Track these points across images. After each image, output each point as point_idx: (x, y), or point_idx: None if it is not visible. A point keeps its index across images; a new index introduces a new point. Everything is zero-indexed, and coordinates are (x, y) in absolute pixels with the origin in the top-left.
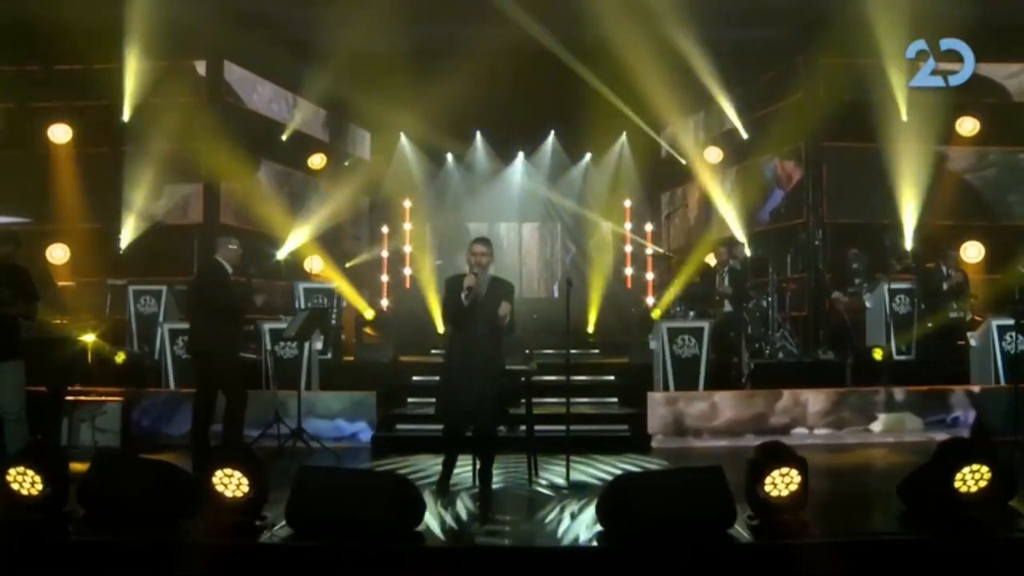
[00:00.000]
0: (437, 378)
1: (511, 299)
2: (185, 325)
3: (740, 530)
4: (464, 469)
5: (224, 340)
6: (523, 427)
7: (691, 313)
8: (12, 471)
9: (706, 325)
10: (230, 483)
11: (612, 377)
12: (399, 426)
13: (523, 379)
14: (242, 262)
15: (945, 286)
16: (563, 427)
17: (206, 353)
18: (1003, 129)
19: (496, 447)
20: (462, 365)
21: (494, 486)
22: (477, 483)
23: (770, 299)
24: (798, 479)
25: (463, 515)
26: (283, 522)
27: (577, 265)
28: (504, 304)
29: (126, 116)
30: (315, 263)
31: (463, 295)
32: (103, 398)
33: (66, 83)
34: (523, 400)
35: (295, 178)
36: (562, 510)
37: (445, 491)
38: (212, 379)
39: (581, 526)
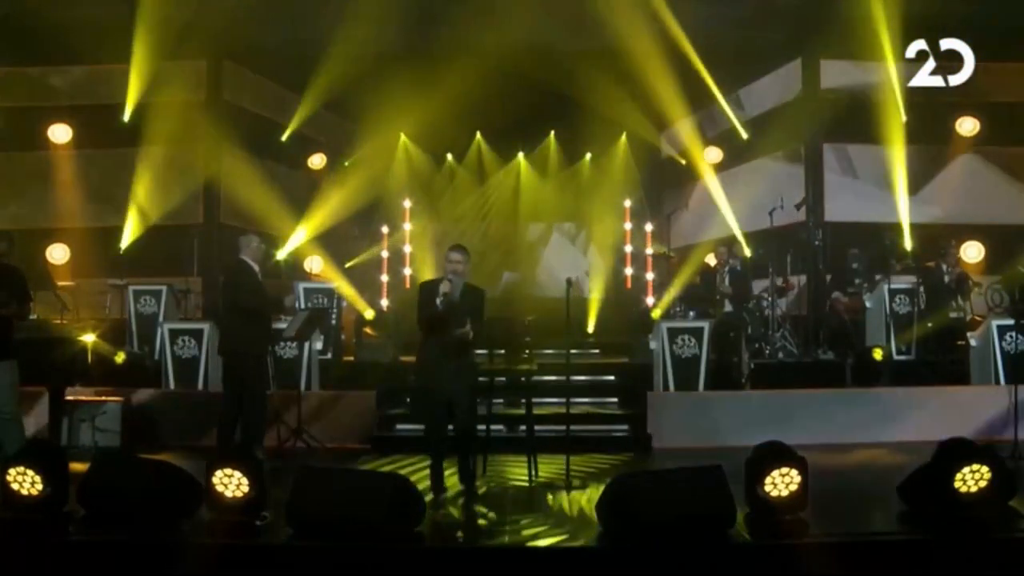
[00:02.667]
0: None
1: (482, 306)
2: (184, 325)
3: (740, 530)
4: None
5: (254, 340)
6: (523, 427)
7: (691, 313)
8: (12, 471)
9: (706, 325)
10: (230, 483)
11: (612, 377)
12: (399, 426)
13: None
14: (265, 258)
15: (947, 279)
16: (563, 427)
17: (238, 354)
18: (1003, 129)
19: (476, 442)
20: (438, 367)
21: (495, 486)
22: (463, 482)
23: (770, 299)
24: (798, 479)
25: (463, 515)
26: (283, 522)
27: (577, 265)
28: (466, 329)
29: (126, 116)
30: (315, 263)
31: (438, 300)
32: (103, 398)
33: (66, 83)
34: (523, 400)
35: (295, 178)
36: (562, 509)
37: (441, 490)
38: (240, 379)
39: (581, 526)
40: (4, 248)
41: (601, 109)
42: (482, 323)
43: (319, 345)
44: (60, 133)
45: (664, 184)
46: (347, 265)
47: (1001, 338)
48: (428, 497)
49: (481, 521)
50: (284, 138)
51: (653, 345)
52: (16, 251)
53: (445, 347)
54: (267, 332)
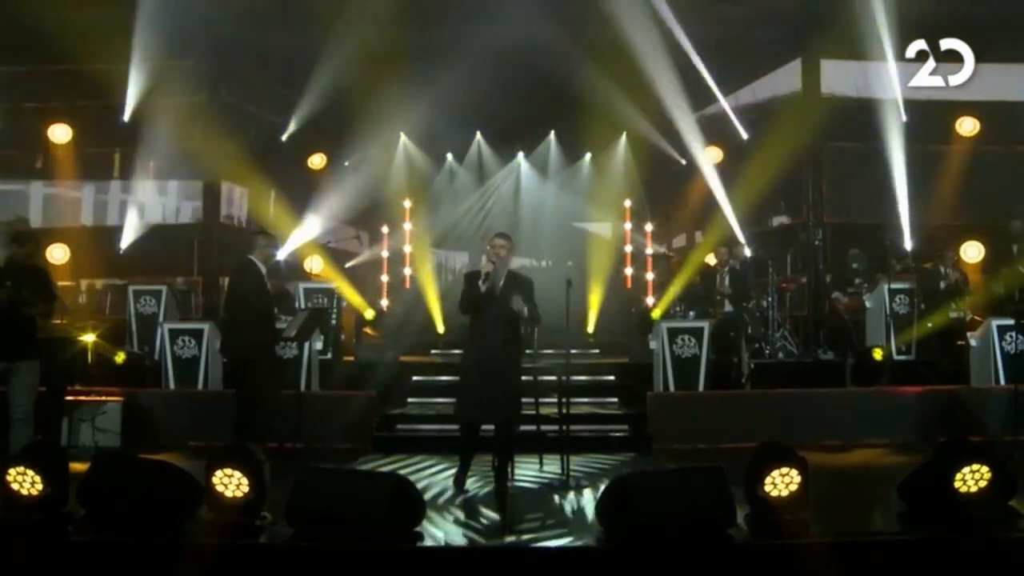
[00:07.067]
0: (439, 378)
1: (531, 293)
2: (184, 325)
3: (740, 530)
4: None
5: (261, 339)
6: (530, 427)
7: (691, 313)
8: (12, 471)
9: (706, 325)
10: (230, 483)
11: (612, 377)
12: (399, 426)
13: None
14: (268, 258)
15: (943, 285)
16: (563, 427)
17: (247, 354)
18: (1003, 129)
19: (514, 442)
20: (479, 359)
21: (494, 486)
22: (494, 481)
23: (770, 299)
24: (798, 479)
25: (463, 515)
26: (283, 522)
27: (577, 265)
28: (515, 299)
29: (126, 116)
30: (315, 263)
31: (480, 282)
32: (103, 398)
33: (66, 83)
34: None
35: (295, 178)
36: (562, 509)
37: (462, 486)
38: (249, 379)
39: (581, 525)
40: (32, 249)
41: (601, 109)
42: (535, 308)
43: (319, 345)
44: (60, 133)
45: (664, 184)
46: (347, 265)
47: (1001, 338)
48: (431, 494)
49: (482, 520)
50: (284, 138)
51: (653, 345)
52: (42, 252)
53: (486, 338)
54: (272, 331)
